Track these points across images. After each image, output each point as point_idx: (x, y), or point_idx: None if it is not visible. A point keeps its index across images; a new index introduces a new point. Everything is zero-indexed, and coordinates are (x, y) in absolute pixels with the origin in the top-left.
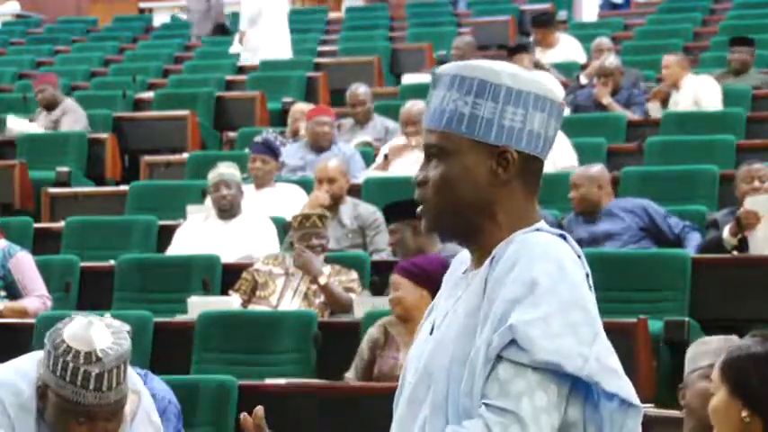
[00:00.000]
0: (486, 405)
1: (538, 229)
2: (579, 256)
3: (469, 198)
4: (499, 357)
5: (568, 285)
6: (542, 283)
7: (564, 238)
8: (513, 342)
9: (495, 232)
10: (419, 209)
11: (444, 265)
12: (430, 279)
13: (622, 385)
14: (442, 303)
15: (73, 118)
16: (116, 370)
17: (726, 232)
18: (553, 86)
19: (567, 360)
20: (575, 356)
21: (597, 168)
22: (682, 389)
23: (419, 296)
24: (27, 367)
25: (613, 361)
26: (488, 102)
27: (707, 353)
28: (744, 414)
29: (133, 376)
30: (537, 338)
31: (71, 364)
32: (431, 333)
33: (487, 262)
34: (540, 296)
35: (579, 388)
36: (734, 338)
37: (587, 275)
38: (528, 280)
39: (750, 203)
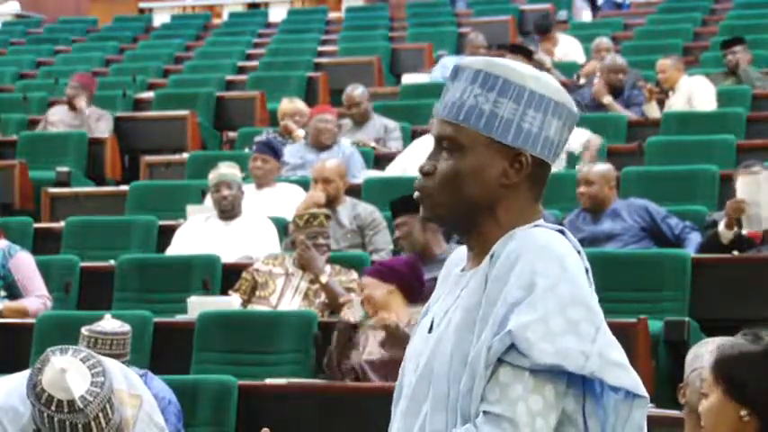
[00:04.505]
0: (484, 412)
1: (537, 225)
2: (579, 252)
3: (476, 195)
4: (500, 360)
5: (569, 283)
6: (541, 283)
7: (563, 233)
8: (513, 346)
9: (494, 230)
10: (416, 195)
11: (410, 265)
12: (396, 274)
13: (627, 377)
14: (441, 301)
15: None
16: (101, 413)
17: (722, 226)
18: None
19: (569, 360)
20: (576, 355)
21: (609, 167)
22: (682, 388)
23: (386, 291)
24: (23, 388)
25: (617, 354)
26: (510, 102)
27: (706, 353)
28: (743, 413)
29: (134, 379)
30: (536, 342)
31: (56, 417)
32: (430, 331)
33: (487, 259)
34: (539, 296)
35: (577, 381)
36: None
37: (587, 270)
38: (527, 280)
39: (741, 184)
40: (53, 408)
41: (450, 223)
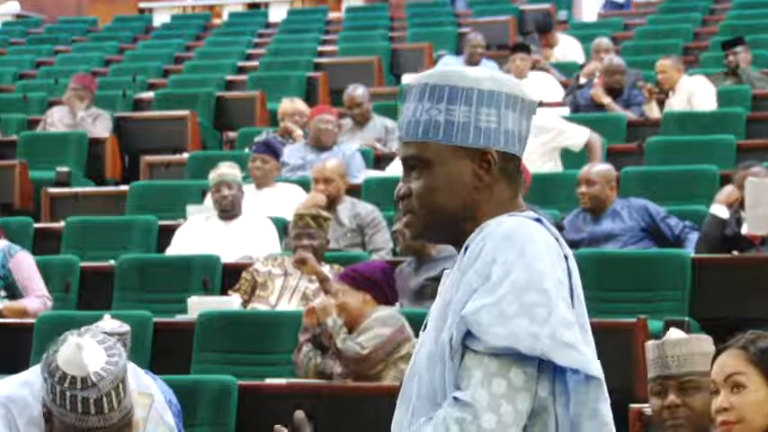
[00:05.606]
0: (453, 398)
1: (511, 215)
2: (557, 239)
3: (455, 204)
4: (465, 347)
5: (526, 269)
6: (498, 270)
7: (540, 221)
8: (469, 332)
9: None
10: (404, 220)
11: (384, 271)
12: (369, 282)
13: (579, 358)
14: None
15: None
16: (114, 391)
17: (714, 206)
18: (549, 86)
19: (520, 341)
20: (526, 336)
21: (609, 167)
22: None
23: (361, 300)
24: (36, 381)
25: (572, 335)
26: (462, 106)
27: (691, 356)
28: None
29: (144, 378)
30: (487, 325)
31: (68, 393)
32: (423, 330)
33: (461, 252)
34: (495, 283)
35: (547, 366)
36: (702, 337)
37: (566, 257)
38: (486, 268)
39: (749, 185)
40: (66, 384)
41: (439, 237)
